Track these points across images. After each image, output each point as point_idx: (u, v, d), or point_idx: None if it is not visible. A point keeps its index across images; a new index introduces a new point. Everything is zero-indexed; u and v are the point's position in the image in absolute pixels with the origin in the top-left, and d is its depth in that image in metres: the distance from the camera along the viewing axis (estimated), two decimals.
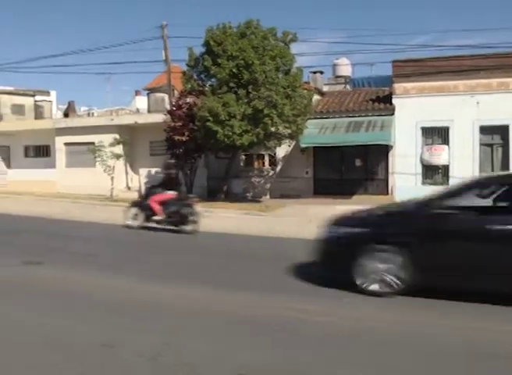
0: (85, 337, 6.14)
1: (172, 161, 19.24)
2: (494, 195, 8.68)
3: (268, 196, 26.04)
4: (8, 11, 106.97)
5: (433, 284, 7.80)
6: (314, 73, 30.02)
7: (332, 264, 8.64)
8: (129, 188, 28.34)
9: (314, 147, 24.54)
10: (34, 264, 10.51)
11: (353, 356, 5.59)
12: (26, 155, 35.59)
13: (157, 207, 15.51)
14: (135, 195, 26.47)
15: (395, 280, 7.85)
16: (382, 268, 7.92)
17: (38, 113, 36.39)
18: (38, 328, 6.47)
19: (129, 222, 16.02)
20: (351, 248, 8.27)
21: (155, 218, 15.66)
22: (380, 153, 24.14)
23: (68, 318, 6.88)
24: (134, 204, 16.75)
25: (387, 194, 23.77)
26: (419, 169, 23.61)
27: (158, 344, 5.85)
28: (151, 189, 16.51)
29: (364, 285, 7.97)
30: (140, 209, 15.99)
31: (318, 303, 7.60)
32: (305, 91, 22.90)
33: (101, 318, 6.93)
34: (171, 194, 15.87)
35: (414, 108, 23.22)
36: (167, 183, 16.19)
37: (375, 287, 7.93)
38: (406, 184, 23.00)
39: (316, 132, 23.96)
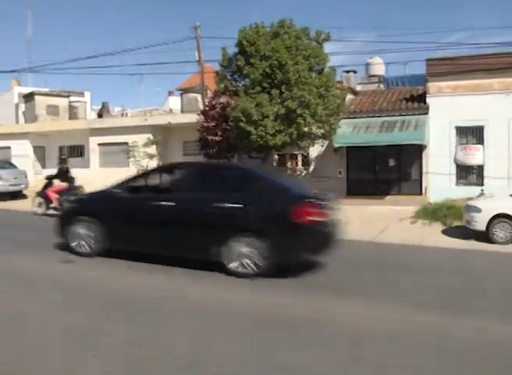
0: (112, 335, 6.19)
1: (65, 156, 24.92)
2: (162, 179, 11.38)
3: None
4: (44, 15, 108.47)
5: (121, 248, 10.55)
6: (348, 72, 29.81)
7: (61, 231, 11.54)
8: None
9: (348, 147, 24.35)
10: (65, 262, 10.65)
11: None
12: (61, 155, 35.98)
13: (52, 195, 18.93)
14: None
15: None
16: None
17: (73, 114, 36.75)
18: (68, 325, 6.54)
19: (36, 209, 19.47)
20: (68, 219, 11.53)
21: (51, 205, 18.65)
22: (414, 153, 23.86)
23: (96, 316, 6.96)
24: (38, 194, 19.99)
25: (421, 194, 23.49)
26: (453, 169, 23.27)
27: (185, 344, 5.87)
28: (48, 180, 20.06)
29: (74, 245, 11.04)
30: (42, 198, 19.34)
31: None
32: (338, 91, 22.74)
33: (129, 316, 6.98)
34: (64, 185, 19.79)
35: (448, 107, 22.88)
36: (60, 175, 20.29)
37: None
38: (440, 185, 22.73)
39: (349, 132, 23.79)
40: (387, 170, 24.64)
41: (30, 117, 37.75)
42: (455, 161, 23.21)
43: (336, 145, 23.63)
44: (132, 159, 26.18)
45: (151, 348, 5.74)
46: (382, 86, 31.30)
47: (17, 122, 41.83)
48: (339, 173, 25.33)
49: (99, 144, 30.96)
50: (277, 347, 5.88)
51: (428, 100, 23.62)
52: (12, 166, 28.03)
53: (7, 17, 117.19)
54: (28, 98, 38.87)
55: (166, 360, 5.40)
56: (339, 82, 26.15)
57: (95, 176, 29.95)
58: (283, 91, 20.64)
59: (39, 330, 6.39)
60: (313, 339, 6.16)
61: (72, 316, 6.96)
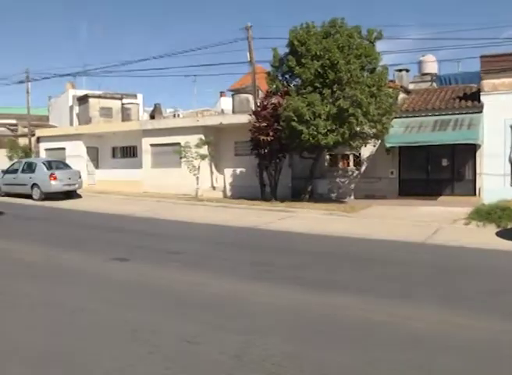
0: (170, 333, 6.26)
1: None
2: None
3: (352, 197, 25.78)
4: (99, 19, 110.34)
5: None
6: (400, 71, 29.43)
7: None
8: (214, 188, 28.64)
9: (400, 146, 24.08)
10: (121, 260, 10.83)
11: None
12: (114, 155, 36.64)
13: None
14: (220, 195, 26.84)
15: None
16: None
17: (125, 116, 37.31)
18: (126, 322, 6.64)
19: None
20: None
21: None
22: (467, 152, 23.43)
23: (153, 313, 7.04)
24: None
25: (474, 195, 23.06)
26: (508, 169, 22.71)
27: (240, 342, 5.90)
28: None
29: None
30: None
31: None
32: (390, 90, 22.47)
33: (185, 314, 7.05)
34: None
35: (503, 106, 22.34)
36: None
37: None
38: (494, 185, 22.24)
39: (401, 131, 23.53)
40: (440, 170, 24.27)
41: (84, 119, 38.49)
42: (510, 161, 22.72)
43: (388, 145, 23.38)
44: (184, 159, 26.41)
45: (207, 346, 5.79)
46: (434, 84, 30.83)
47: (71, 124, 42.70)
48: (391, 173, 25.08)
49: (151, 145, 31.32)
50: (326, 346, 5.88)
51: (482, 98, 23.17)
52: (66, 166, 28.62)
53: (62, 24, 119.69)
54: (82, 100, 39.65)
55: (222, 359, 5.44)
56: (391, 81, 25.88)
57: (147, 176, 30.39)
58: (335, 90, 20.57)
59: (96, 327, 6.52)
60: (365, 340, 6.13)
61: (129, 313, 7.07)
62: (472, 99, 23.90)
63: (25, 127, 42.79)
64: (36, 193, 26.06)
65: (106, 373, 5.11)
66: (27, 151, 39.24)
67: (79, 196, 27.45)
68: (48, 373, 5.16)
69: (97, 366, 5.28)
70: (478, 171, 23.27)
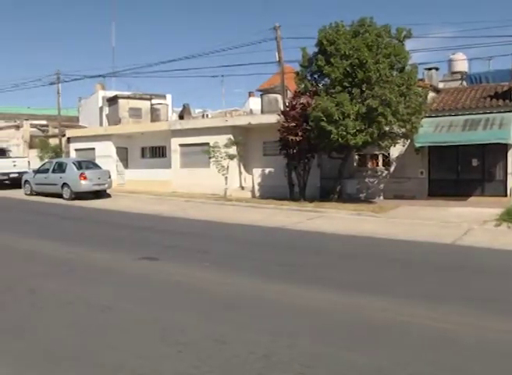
0: (198, 332, 6.29)
1: None
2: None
3: (381, 197, 25.64)
4: (127, 21, 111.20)
5: None
6: (429, 69, 29.14)
7: None
8: (242, 188, 28.67)
9: (429, 146, 23.89)
10: (150, 259, 10.90)
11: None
12: (143, 155, 36.87)
13: None
14: (248, 195, 26.86)
15: None
16: None
17: (154, 116, 37.50)
18: (154, 321, 6.70)
19: None
20: None
21: None
22: (498, 152, 23.13)
23: (182, 312, 7.08)
24: None
25: (505, 195, 22.77)
26: None
27: (267, 342, 5.90)
28: None
29: None
30: None
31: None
32: (420, 89, 22.28)
33: (213, 314, 7.08)
34: None
35: None
36: None
37: None
38: None
39: (431, 131, 23.33)
40: (470, 170, 24.00)
41: (114, 120, 38.79)
42: None
43: (418, 145, 23.19)
44: (213, 159, 26.49)
45: (236, 346, 5.81)
46: (464, 83, 30.56)
47: (101, 124, 43.10)
48: (421, 173, 24.89)
49: (180, 145, 31.45)
50: (354, 348, 5.86)
51: None
52: (96, 166, 28.89)
53: (93, 26, 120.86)
54: (112, 101, 39.97)
55: (251, 358, 5.45)
56: (420, 80, 25.66)
57: (176, 176, 30.53)
58: (364, 89, 20.46)
59: (126, 325, 6.58)
60: (393, 341, 6.10)
61: (158, 311, 7.12)
62: (503, 98, 23.63)
63: (55, 128, 43.25)
64: (66, 192, 26.33)
65: (135, 372, 5.15)
66: (57, 152, 39.67)
67: (108, 196, 27.67)
68: (79, 371, 5.21)
69: (126, 364, 5.33)
70: (509, 171, 22.99)
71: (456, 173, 24.30)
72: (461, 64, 31.85)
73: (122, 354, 5.59)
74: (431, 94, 25.53)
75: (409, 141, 23.36)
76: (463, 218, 17.47)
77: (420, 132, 22.57)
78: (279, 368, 5.22)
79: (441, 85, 29.51)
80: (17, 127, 44.10)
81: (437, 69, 29.74)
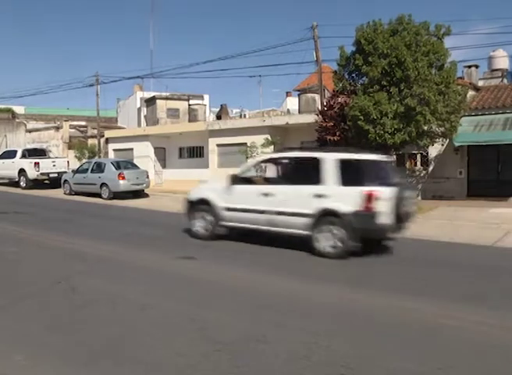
0: (238, 331, 6.30)
1: None
2: None
3: (419, 197, 25.40)
4: (166, 24, 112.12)
5: None
6: (469, 67, 28.79)
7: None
8: None
9: (469, 146, 23.60)
10: (188, 259, 10.97)
11: None
12: (181, 156, 37.17)
13: None
14: None
15: None
16: None
17: (192, 116, 37.76)
18: (193, 320, 6.73)
19: None
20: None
21: None
22: None
23: (220, 311, 7.11)
24: None
25: None
26: None
27: (307, 342, 5.88)
28: None
29: None
30: None
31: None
32: (459, 87, 21.95)
33: (251, 313, 7.10)
34: None
35: None
36: None
37: None
38: None
39: (471, 130, 23.04)
40: (511, 171, 23.63)
41: (152, 120, 39.17)
42: None
43: (457, 144, 22.93)
44: (250, 159, 26.52)
45: (275, 345, 5.80)
46: (505, 80, 30.09)
47: (139, 125, 43.56)
48: (460, 173, 24.59)
49: (218, 145, 31.60)
50: (394, 350, 5.81)
51: None
52: (134, 166, 29.15)
53: (132, 30, 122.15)
54: (150, 102, 40.36)
55: (291, 358, 5.44)
56: (460, 78, 25.37)
57: (214, 175, 30.67)
58: (402, 88, 20.26)
59: (165, 323, 6.62)
60: (434, 345, 6.03)
61: (196, 310, 7.16)
62: None
63: (94, 129, 43.80)
64: (105, 192, 26.59)
65: (174, 369, 5.19)
66: (95, 152, 40.15)
67: (146, 195, 27.89)
68: (119, 367, 5.26)
69: (165, 361, 5.37)
70: None
71: (496, 173, 23.95)
72: (502, 61, 31.32)
73: (161, 351, 5.63)
74: (470, 93, 25.18)
75: (448, 140, 23.08)
76: (503, 219, 17.22)
77: (459, 131, 22.27)
78: (321, 369, 5.21)
79: (481, 83, 29.12)
80: (57, 128, 44.74)
81: (477, 66, 29.36)
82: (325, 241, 11.46)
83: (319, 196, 11.61)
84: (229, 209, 13.13)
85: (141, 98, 44.94)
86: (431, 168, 25.38)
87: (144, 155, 36.15)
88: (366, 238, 11.26)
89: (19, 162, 32.15)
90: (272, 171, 14.41)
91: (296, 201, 11.99)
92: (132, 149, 37.26)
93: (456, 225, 16.57)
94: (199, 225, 13.69)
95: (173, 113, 38.88)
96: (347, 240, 11.14)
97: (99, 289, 8.31)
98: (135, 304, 7.42)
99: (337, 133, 22.29)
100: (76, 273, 9.28)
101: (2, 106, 55.33)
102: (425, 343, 5.97)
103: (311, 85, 32.23)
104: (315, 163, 11.93)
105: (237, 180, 13.24)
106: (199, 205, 13.78)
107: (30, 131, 48.06)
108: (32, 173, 31.30)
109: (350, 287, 8.60)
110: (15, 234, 13.90)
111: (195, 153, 35.96)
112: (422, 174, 25.64)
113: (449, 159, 24.52)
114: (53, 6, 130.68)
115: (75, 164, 34.21)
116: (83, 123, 49.51)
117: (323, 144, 23.36)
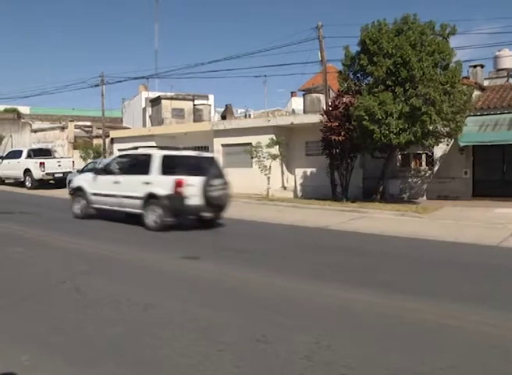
0: (240, 331, 6.30)
1: None
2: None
3: (424, 197, 25.38)
4: (170, 24, 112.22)
5: None
6: (474, 67, 28.74)
7: None
8: (284, 188, 28.66)
9: (474, 146, 23.56)
10: (191, 259, 10.97)
11: None
12: None
13: None
14: (290, 195, 26.82)
15: None
16: None
17: (197, 116, 37.77)
18: (195, 320, 6.72)
19: None
20: None
21: None
22: None
23: (222, 311, 7.10)
24: None
25: None
26: None
27: (309, 342, 5.86)
28: None
29: None
30: None
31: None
32: (465, 87, 21.94)
33: (254, 313, 7.08)
34: None
35: None
36: None
37: None
38: None
39: (476, 130, 23.00)
40: None
41: (157, 120, 39.21)
42: None
43: (462, 144, 22.90)
44: (255, 159, 26.55)
45: (277, 346, 5.78)
46: (511, 80, 30.00)
47: (144, 125, 43.63)
48: (465, 173, 24.55)
49: (223, 145, 31.58)
50: (396, 350, 5.80)
51: None
52: None
53: (136, 30, 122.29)
54: (155, 102, 40.41)
55: (292, 359, 5.42)
56: (465, 77, 25.34)
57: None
58: (407, 88, 20.26)
59: (167, 323, 6.61)
60: (436, 345, 6.01)
61: (198, 310, 7.15)
62: None
63: (99, 129, 43.89)
64: None
65: (176, 369, 5.18)
66: (100, 152, 40.23)
67: None
68: (121, 367, 5.26)
69: (167, 361, 5.36)
70: None
71: (501, 173, 23.91)
72: (507, 61, 31.22)
73: (163, 351, 5.62)
74: (476, 93, 25.14)
75: (453, 140, 23.06)
76: (508, 219, 17.16)
77: (464, 131, 22.25)
78: (322, 369, 5.18)
79: (486, 83, 29.07)
80: (62, 128, 44.87)
81: (482, 66, 29.30)
82: (150, 217, 15.21)
83: (147, 183, 15.38)
84: (94, 195, 17.10)
85: (146, 98, 44.98)
86: (436, 168, 25.35)
87: None
88: (182, 215, 15.34)
89: (24, 162, 32.28)
90: (122, 164, 17.35)
91: (133, 187, 15.72)
92: (136, 149, 37.17)
93: (462, 225, 16.54)
94: (76, 207, 17.66)
95: (178, 113, 38.91)
96: (164, 216, 14.86)
97: (101, 289, 8.29)
98: (138, 304, 7.40)
99: (342, 133, 22.31)
100: (79, 273, 9.27)
101: (8, 106, 55.52)
102: (426, 343, 5.95)
103: (316, 85, 32.20)
104: (147, 158, 15.87)
105: (100, 171, 17.77)
106: (76, 192, 17.89)
107: (35, 131, 48.21)
108: (37, 173, 31.44)
109: (348, 286, 8.58)
110: (20, 234, 13.91)
111: None
112: (427, 174, 25.61)
113: (455, 159, 24.49)
114: (57, 7, 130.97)
115: (80, 164, 34.27)
116: (89, 123, 49.65)
117: (328, 144, 23.38)
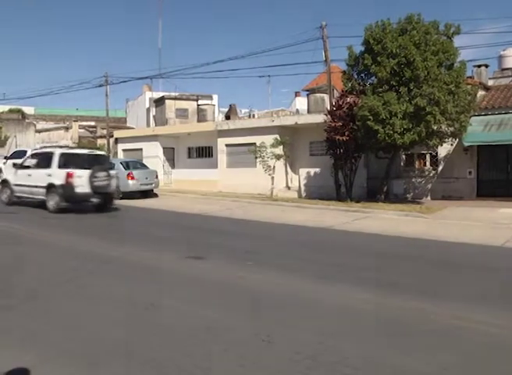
0: (245, 331, 6.30)
1: None
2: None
3: (428, 197, 25.33)
4: (174, 24, 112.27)
5: None
6: (479, 66, 28.65)
7: None
8: (288, 188, 28.65)
9: (478, 145, 23.50)
10: (196, 258, 10.97)
11: None
12: (190, 155, 37.20)
13: None
14: (294, 195, 26.80)
15: None
16: None
17: (201, 116, 37.78)
18: (200, 319, 6.73)
19: None
20: None
21: None
22: None
23: (227, 311, 7.10)
24: None
25: None
26: None
27: (314, 342, 5.86)
28: None
29: None
30: None
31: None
32: (469, 87, 21.86)
33: (259, 313, 7.09)
34: None
35: None
36: None
37: None
38: None
39: (480, 129, 22.94)
40: None
41: (161, 120, 39.23)
42: None
43: (466, 144, 22.85)
44: (259, 159, 26.54)
45: (282, 345, 5.78)
46: None
47: (148, 125, 43.62)
48: (469, 173, 24.48)
49: (227, 145, 31.59)
50: (400, 350, 5.79)
51: None
52: (143, 166, 29.24)
53: (140, 29, 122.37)
54: (159, 102, 40.43)
55: (297, 358, 5.42)
56: (469, 77, 25.27)
57: (223, 176, 30.68)
58: (412, 88, 20.20)
59: (171, 323, 6.61)
60: (439, 345, 6.00)
61: (203, 310, 7.15)
62: None
63: (103, 129, 43.96)
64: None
65: (181, 369, 5.18)
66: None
67: (155, 195, 27.98)
68: (127, 370, 5.26)
69: (171, 362, 5.35)
70: None
71: (506, 173, 23.84)
72: None
73: (168, 351, 5.62)
74: (480, 92, 25.06)
75: (457, 140, 22.97)
76: None
77: (468, 131, 22.17)
78: (326, 369, 5.18)
79: (490, 82, 29.00)
80: (66, 129, 44.97)
81: (487, 66, 29.21)
82: (50, 202, 19.43)
83: (49, 175, 19.50)
84: (16, 185, 21.20)
85: (150, 99, 44.98)
86: (440, 168, 25.29)
87: (153, 155, 36.21)
88: (73, 201, 19.45)
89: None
90: (34, 160, 20.97)
91: (40, 179, 19.76)
92: (141, 149, 37.33)
93: (466, 225, 16.51)
94: (4, 196, 21.91)
95: (182, 113, 38.92)
96: (59, 202, 19.12)
97: (105, 289, 8.31)
98: (141, 303, 7.41)
99: (346, 133, 22.28)
100: (82, 273, 9.29)
101: (12, 107, 55.60)
102: (431, 343, 5.94)
103: (320, 85, 32.16)
104: (51, 155, 19.91)
105: (19, 166, 21.43)
106: (4, 183, 22.09)
107: (39, 131, 48.34)
108: None
109: (352, 286, 8.56)
110: (26, 235, 13.98)
111: (204, 153, 35.99)
112: (431, 174, 25.56)
113: (459, 159, 24.44)
114: (59, 7, 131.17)
115: None
116: (93, 124, 49.75)
117: (332, 144, 23.35)
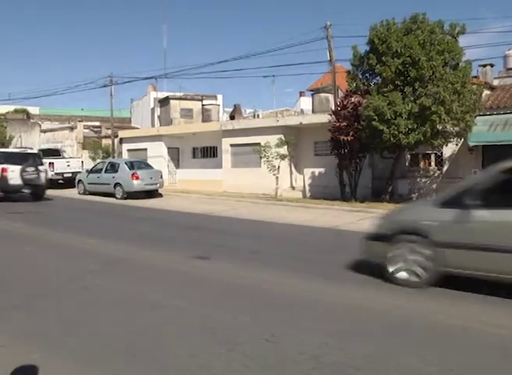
0: (249, 331, 6.30)
1: None
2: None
3: (433, 197, 25.23)
4: (179, 24, 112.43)
5: None
6: (484, 66, 28.54)
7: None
8: (293, 188, 28.63)
9: (484, 145, 23.41)
10: (201, 258, 10.97)
11: None
12: (194, 156, 37.22)
13: None
14: (299, 195, 26.79)
15: None
16: None
17: (206, 117, 37.78)
18: (205, 320, 6.75)
19: None
20: None
21: None
22: None
23: (232, 311, 7.09)
24: None
25: None
26: None
27: (318, 342, 5.86)
28: None
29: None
30: None
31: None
32: (474, 86, 21.80)
33: (263, 313, 7.09)
34: None
35: None
36: None
37: None
38: None
39: (485, 129, 22.84)
40: None
41: (165, 120, 39.25)
42: None
43: (471, 144, 22.75)
44: (264, 159, 26.51)
45: (286, 346, 5.79)
46: None
47: (153, 125, 43.69)
48: (474, 173, 24.33)
49: (231, 145, 31.57)
50: (405, 351, 5.78)
51: None
52: (148, 166, 29.29)
53: (145, 29, 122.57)
54: (163, 102, 40.46)
55: (301, 359, 5.42)
56: (474, 77, 25.20)
57: (227, 176, 30.67)
58: (417, 88, 20.15)
59: (176, 323, 6.62)
60: (446, 345, 5.99)
61: (208, 310, 7.16)
62: None
63: (108, 129, 44.02)
64: (118, 192, 26.74)
65: (185, 369, 5.19)
66: (109, 152, 40.36)
67: (160, 195, 28.01)
68: (131, 369, 5.26)
69: (176, 362, 5.37)
70: None
71: None
72: None
73: (173, 351, 5.63)
74: (485, 92, 24.96)
75: (462, 140, 22.89)
76: None
77: (474, 131, 22.09)
78: (330, 369, 5.17)
79: (496, 82, 28.85)
80: (71, 129, 45.04)
81: (492, 65, 29.09)
82: None
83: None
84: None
85: (155, 99, 45.05)
86: (445, 168, 25.19)
87: (157, 155, 36.24)
88: (8, 191, 23.50)
89: None
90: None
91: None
92: (146, 149, 37.37)
93: None
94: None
95: (187, 113, 38.95)
96: None
97: (111, 288, 8.34)
98: (146, 303, 7.43)
99: (351, 133, 22.24)
100: (87, 273, 9.32)
101: (17, 107, 55.71)
102: (437, 342, 5.94)
103: (325, 85, 32.11)
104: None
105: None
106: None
107: (44, 131, 48.44)
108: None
109: (358, 287, 8.55)
110: (31, 234, 14.02)
111: (209, 153, 36.01)
112: (436, 174, 25.46)
113: (464, 159, 24.34)
114: (63, 8, 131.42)
115: (89, 164, 34.42)
116: (97, 124, 49.83)
117: (337, 144, 23.32)
